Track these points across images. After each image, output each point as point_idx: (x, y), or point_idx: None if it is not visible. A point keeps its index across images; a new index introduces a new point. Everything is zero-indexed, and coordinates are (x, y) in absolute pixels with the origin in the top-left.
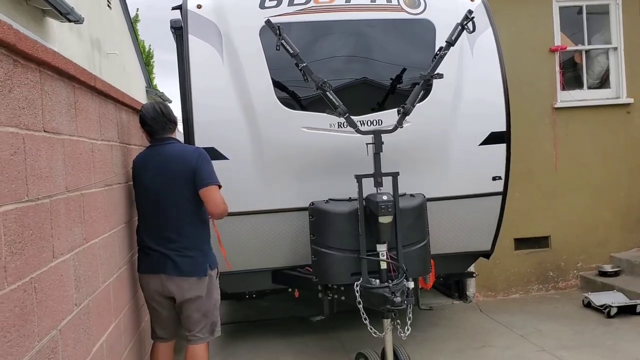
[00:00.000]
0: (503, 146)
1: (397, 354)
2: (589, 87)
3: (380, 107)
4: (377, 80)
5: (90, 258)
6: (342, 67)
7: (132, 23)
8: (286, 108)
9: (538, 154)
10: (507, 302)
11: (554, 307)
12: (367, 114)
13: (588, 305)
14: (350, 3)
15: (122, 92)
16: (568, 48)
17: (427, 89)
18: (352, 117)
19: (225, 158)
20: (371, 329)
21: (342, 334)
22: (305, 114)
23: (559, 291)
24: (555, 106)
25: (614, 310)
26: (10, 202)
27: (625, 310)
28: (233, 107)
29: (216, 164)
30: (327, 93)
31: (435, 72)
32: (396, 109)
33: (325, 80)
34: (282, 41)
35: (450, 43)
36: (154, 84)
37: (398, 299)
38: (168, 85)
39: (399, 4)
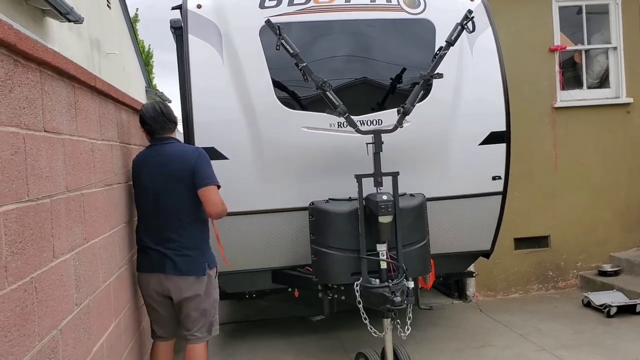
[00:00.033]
0: (503, 146)
1: (397, 354)
2: (589, 87)
3: (380, 106)
4: (377, 80)
5: (91, 258)
6: (342, 67)
7: (131, 23)
8: (286, 108)
9: (538, 154)
10: (507, 301)
11: (553, 306)
12: (367, 113)
13: (588, 304)
14: (350, 3)
15: (122, 92)
16: (568, 48)
17: (427, 88)
18: (352, 116)
19: (225, 158)
20: (371, 328)
21: (342, 333)
22: (305, 114)
23: (559, 291)
24: (555, 106)
25: (613, 310)
26: (10, 201)
27: (625, 310)
28: (233, 107)
29: (216, 164)
30: (327, 93)
31: (435, 72)
32: (396, 109)
33: (325, 80)
34: (282, 41)
35: (450, 43)
36: (154, 83)
37: (398, 299)
38: (168, 85)
39: (398, 4)
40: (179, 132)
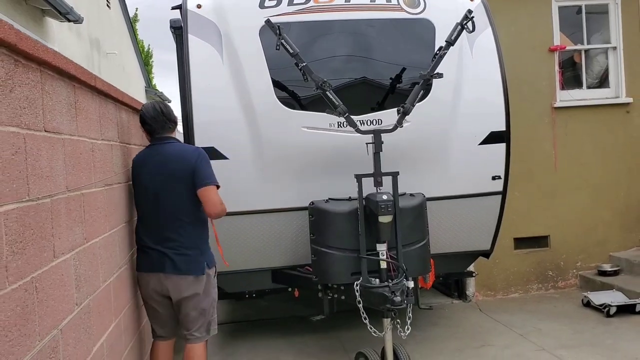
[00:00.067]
0: (503, 146)
1: (397, 354)
2: (588, 87)
3: (380, 106)
4: (377, 80)
5: (91, 257)
6: (342, 67)
7: (131, 23)
8: (286, 108)
9: (537, 154)
10: (507, 301)
11: (553, 306)
12: (367, 113)
13: (587, 304)
14: (350, 3)
15: (122, 91)
16: (567, 48)
17: (426, 88)
18: (352, 116)
19: (225, 158)
20: (371, 328)
21: (342, 333)
22: (305, 114)
23: (559, 290)
24: (555, 106)
25: (613, 310)
26: (11, 201)
27: (625, 310)
28: (233, 107)
29: (216, 164)
30: (327, 93)
31: (435, 72)
32: (396, 109)
33: (325, 79)
34: (282, 41)
35: (450, 43)
36: (153, 83)
37: (398, 299)
38: (167, 85)
39: (398, 4)
40: (179, 132)
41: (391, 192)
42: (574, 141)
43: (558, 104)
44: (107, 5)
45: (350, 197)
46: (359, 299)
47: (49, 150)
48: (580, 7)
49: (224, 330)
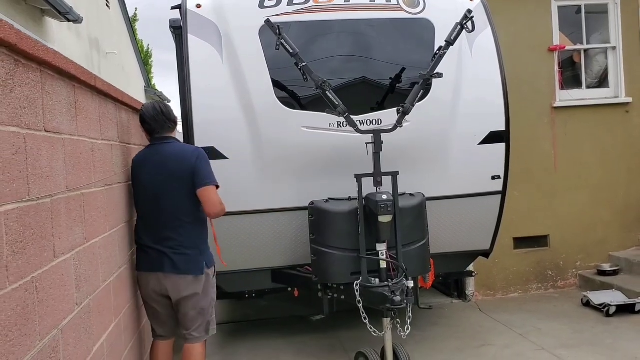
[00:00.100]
0: (502, 145)
1: (397, 353)
2: (588, 87)
3: (380, 106)
4: (377, 80)
5: (91, 257)
6: (342, 67)
7: (130, 22)
8: (286, 108)
9: (537, 154)
10: (506, 301)
11: (553, 306)
12: (367, 113)
13: (587, 304)
14: (350, 2)
15: (121, 91)
16: (567, 47)
17: (426, 88)
18: (351, 116)
19: (225, 158)
20: (371, 328)
21: (342, 333)
22: (304, 114)
23: (558, 290)
24: (554, 105)
25: (612, 309)
26: (11, 201)
27: (624, 309)
28: (233, 106)
29: (216, 164)
30: (327, 92)
31: (435, 72)
32: (396, 109)
33: (325, 79)
34: (282, 41)
35: (450, 43)
36: (153, 83)
37: (398, 298)
38: (167, 85)
39: (398, 4)
40: (179, 132)
41: (391, 192)
42: (574, 141)
43: (557, 104)
44: (107, 5)
45: (350, 197)
46: (358, 298)
47: (49, 150)
48: (579, 7)
49: (224, 330)
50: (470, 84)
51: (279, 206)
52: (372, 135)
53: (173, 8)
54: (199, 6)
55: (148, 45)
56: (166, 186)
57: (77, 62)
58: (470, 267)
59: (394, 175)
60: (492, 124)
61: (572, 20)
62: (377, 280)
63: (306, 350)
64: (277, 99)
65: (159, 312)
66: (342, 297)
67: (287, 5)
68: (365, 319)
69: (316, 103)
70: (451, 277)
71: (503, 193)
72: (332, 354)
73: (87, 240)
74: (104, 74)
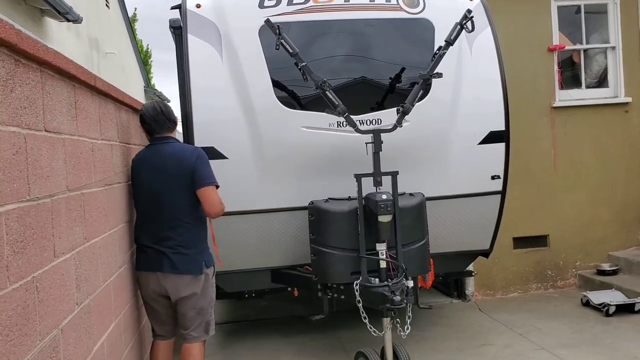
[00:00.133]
0: (502, 145)
1: (397, 353)
2: (587, 87)
3: (380, 106)
4: (377, 80)
5: (91, 257)
6: (342, 67)
7: (130, 22)
8: (286, 107)
9: (537, 153)
10: (506, 300)
11: (552, 305)
12: (367, 113)
13: (587, 303)
14: (349, 2)
15: (121, 91)
16: (566, 47)
17: (426, 88)
18: (351, 116)
19: (224, 157)
20: (371, 327)
21: (342, 333)
22: (304, 114)
23: (558, 290)
24: (554, 105)
25: (612, 309)
26: (12, 201)
27: (624, 309)
28: (232, 106)
29: (216, 164)
30: (327, 92)
31: (435, 72)
32: (395, 108)
33: (325, 79)
34: (282, 40)
35: (449, 42)
36: (152, 83)
37: (397, 298)
38: (166, 85)
39: (398, 4)
40: (178, 132)
41: (391, 192)
42: (573, 141)
43: (557, 104)
44: (106, 5)
45: (349, 197)
46: (358, 298)
47: (50, 150)
48: (579, 7)
49: (223, 330)
50: (470, 84)
51: (278, 206)
52: (371, 135)
53: (173, 8)
54: (198, 6)
55: (147, 45)
56: (166, 186)
57: (77, 62)
58: (470, 267)
59: (394, 175)
60: (491, 123)
61: (572, 20)
62: (377, 280)
63: (306, 350)
64: (277, 99)
65: (158, 312)
66: (342, 296)
67: (287, 5)
68: (365, 318)
69: (316, 103)
70: (451, 276)
71: (503, 193)
72: (332, 353)
73: (87, 240)
74: (104, 74)
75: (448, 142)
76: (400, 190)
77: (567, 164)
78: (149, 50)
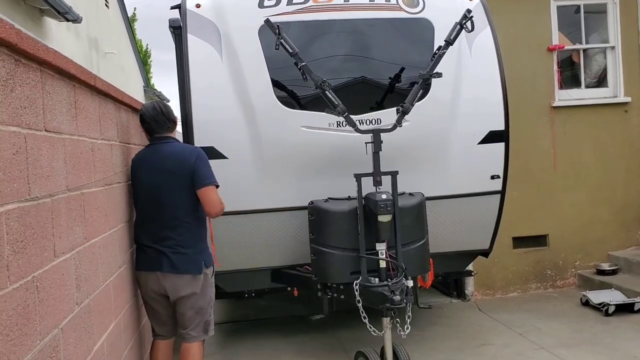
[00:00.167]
0: (502, 145)
1: (397, 353)
2: (587, 86)
3: (379, 106)
4: (376, 80)
5: (91, 257)
6: (341, 66)
7: (129, 22)
8: (285, 107)
9: (536, 153)
10: (506, 300)
11: (552, 305)
12: (366, 113)
13: (586, 303)
14: (349, 2)
15: (121, 91)
16: (566, 47)
17: (425, 88)
18: (351, 116)
19: (224, 157)
20: (370, 327)
21: (342, 332)
22: (304, 113)
23: (557, 289)
24: (553, 105)
25: (611, 309)
26: (12, 201)
27: (623, 309)
28: (232, 106)
29: (215, 163)
30: (327, 92)
31: (434, 71)
32: (395, 108)
33: (325, 79)
34: (282, 40)
35: (449, 42)
36: (152, 83)
37: (397, 298)
38: (166, 85)
39: (397, 4)
40: (178, 132)
41: (390, 192)
42: (573, 140)
43: (556, 104)
44: (106, 5)
45: (349, 197)
46: (358, 298)
47: (50, 150)
48: (578, 7)
49: (223, 330)
50: (469, 84)
51: (278, 206)
52: (371, 134)
53: (172, 8)
54: (198, 6)
55: (147, 45)
56: (165, 186)
57: (76, 62)
58: (470, 267)
59: (394, 174)
60: (491, 123)
61: (571, 20)
62: (377, 279)
63: (306, 349)
64: (276, 99)
65: (158, 311)
66: (342, 296)
67: (287, 5)
68: (364, 318)
69: (316, 103)
70: (450, 276)
71: (502, 192)
72: (331, 353)
73: (87, 240)
74: (103, 74)
75: (448, 142)
76: (400, 190)
77: (567, 164)
78: (149, 50)
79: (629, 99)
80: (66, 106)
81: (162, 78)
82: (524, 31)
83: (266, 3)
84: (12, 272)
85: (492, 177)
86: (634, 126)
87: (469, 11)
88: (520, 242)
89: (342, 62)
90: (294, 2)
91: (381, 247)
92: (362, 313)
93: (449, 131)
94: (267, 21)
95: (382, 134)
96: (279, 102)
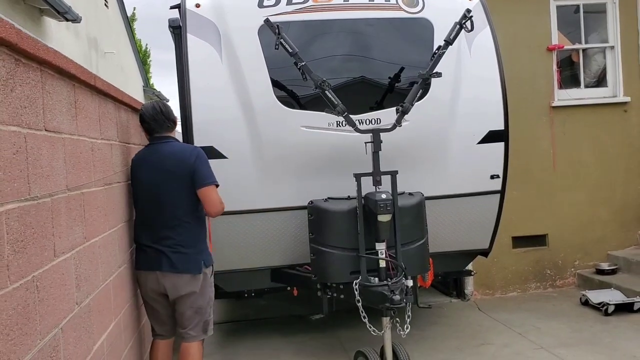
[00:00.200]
0: (501, 145)
1: (396, 352)
2: (586, 86)
3: (379, 105)
4: (376, 79)
5: (91, 257)
6: (341, 66)
7: (129, 22)
8: (285, 107)
9: (536, 153)
10: (505, 300)
11: (551, 305)
12: (366, 112)
13: (585, 303)
14: (349, 2)
15: (121, 91)
16: (565, 47)
17: (425, 87)
18: (350, 116)
19: (224, 157)
20: (370, 327)
21: (341, 332)
22: (304, 113)
23: (557, 289)
24: (553, 105)
25: (611, 308)
26: (12, 200)
27: (623, 308)
28: (232, 106)
29: (215, 163)
30: (326, 92)
31: (434, 71)
32: (395, 108)
33: (324, 79)
34: (281, 40)
35: (449, 42)
36: (151, 83)
37: (397, 297)
38: (165, 85)
39: (397, 3)
40: (177, 131)
41: (390, 191)
42: (572, 140)
43: (556, 103)
44: (105, 5)
45: (349, 196)
46: (358, 297)
47: (50, 150)
48: (578, 7)
49: (223, 330)
50: (469, 83)
51: (278, 205)
52: (371, 134)
53: (172, 7)
54: (198, 6)
55: (146, 44)
56: (165, 185)
57: (76, 62)
58: (469, 266)
59: (393, 174)
60: (491, 123)
61: (571, 20)
62: (377, 279)
63: (305, 349)
64: (276, 99)
65: (158, 311)
66: (342, 296)
67: (286, 4)
68: (364, 318)
69: (315, 102)
70: (450, 276)
71: (502, 192)
72: (331, 353)
73: (87, 240)
74: (103, 74)
75: (447, 142)
76: (399, 189)
77: (566, 164)
78: (148, 49)
79: (628, 99)
80: (66, 106)
81: (161, 78)
82: (524, 31)
83: (266, 3)
84: (12, 272)
85: (492, 177)
86: (633, 126)
87: (468, 11)
88: (519, 241)
89: (342, 62)
90: (293, 2)
91: (381, 247)
92: (362, 313)
93: (448, 131)
94: (267, 21)
95: (381, 134)
96: (278, 102)
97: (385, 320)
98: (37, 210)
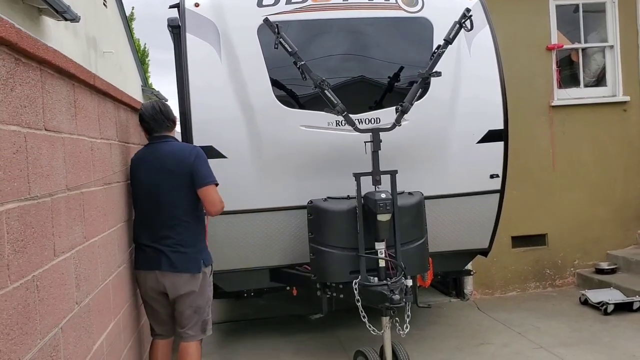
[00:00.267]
0: (501, 144)
1: (396, 352)
2: (586, 85)
3: (379, 105)
4: (375, 79)
5: (90, 256)
6: (340, 66)
7: (127, 21)
8: (284, 106)
9: (535, 152)
10: (505, 299)
11: (551, 304)
12: (366, 112)
13: (585, 302)
14: (348, 1)
15: (120, 90)
16: (565, 46)
17: (425, 87)
18: (350, 115)
19: (223, 156)
20: (370, 326)
21: (341, 332)
22: (303, 112)
23: (556, 289)
24: (552, 104)
25: (610, 308)
26: (12, 200)
27: (622, 308)
28: (231, 105)
29: (214, 163)
30: (326, 91)
31: (433, 70)
32: (394, 107)
33: (324, 78)
34: (280, 39)
35: (448, 41)
36: (150, 82)
37: (397, 297)
38: (164, 85)
39: (396, 3)
40: (177, 131)
41: (389, 191)
42: (572, 140)
43: (555, 103)
44: (104, 4)
45: (348, 196)
46: (357, 297)
47: (49, 149)
48: (577, 6)
49: (222, 330)
50: (468, 83)
51: (277, 205)
52: (370, 134)
53: (171, 7)
54: (197, 5)
55: (145, 44)
56: (164, 185)
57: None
58: (469, 266)
59: (393, 174)
60: (490, 122)
61: (570, 19)
62: (376, 279)
63: (305, 349)
64: (275, 98)
65: (157, 310)
66: (341, 295)
67: (286, 4)
68: (364, 317)
69: (315, 102)
70: (450, 275)
71: (501, 192)
72: (331, 353)
73: (87, 239)
74: (101, 73)
75: (447, 141)
76: (399, 189)
77: (566, 163)
78: (147, 49)
79: (627, 98)
80: (66, 105)
81: (160, 77)
82: (523, 30)
83: (265, 2)
84: (13, 271)
85: (491, 176)
86: (633, 125)
87: (468, 10)
88: (519, 241)
89: (341, 61)
90: (292, 1)
91: (380, 247)
92: (362, 312)
93: (448, 130)
94: (266, 20)
95: (381, 133)
96: (278, 102)
97: (385, 320)
98: (37, 210)
